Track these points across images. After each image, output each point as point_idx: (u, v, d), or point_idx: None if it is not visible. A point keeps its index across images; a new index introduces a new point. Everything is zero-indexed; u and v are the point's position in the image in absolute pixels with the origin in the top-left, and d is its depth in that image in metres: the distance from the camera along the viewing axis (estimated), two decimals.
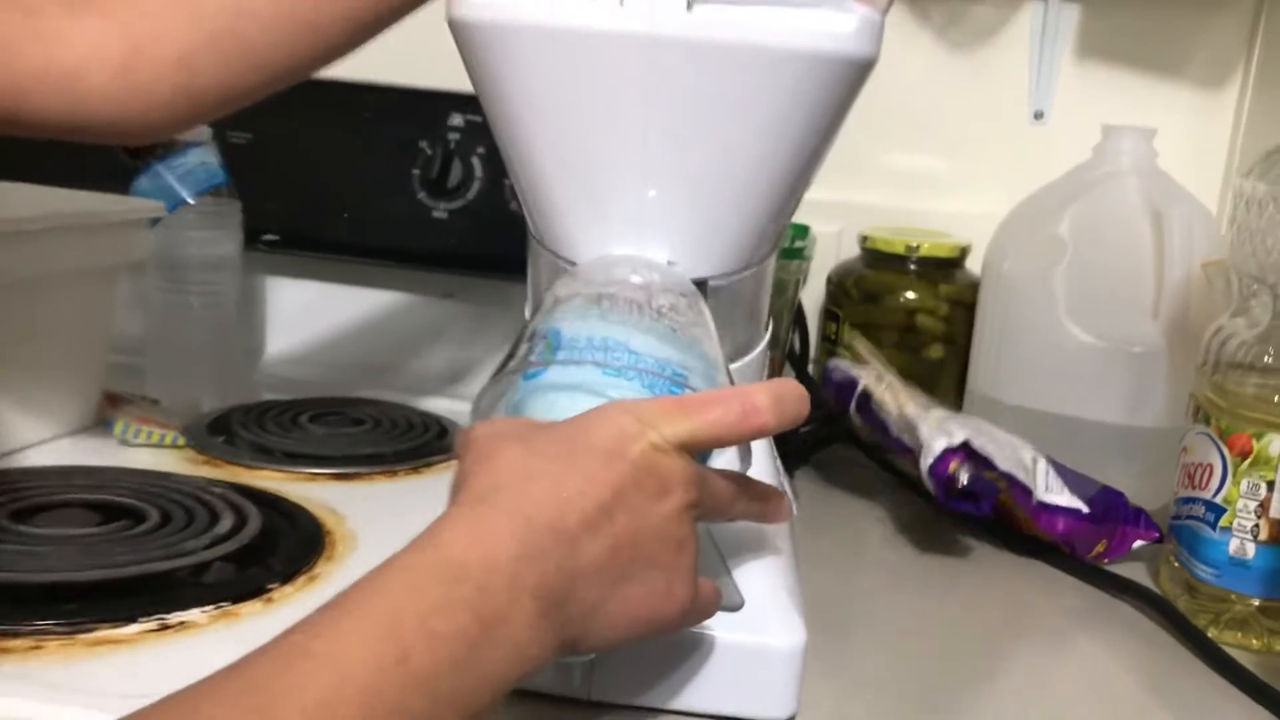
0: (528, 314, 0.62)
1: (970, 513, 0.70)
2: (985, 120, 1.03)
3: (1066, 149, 0.92)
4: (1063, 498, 0.73)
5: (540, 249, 0.56)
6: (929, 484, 0.70)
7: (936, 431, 0.69)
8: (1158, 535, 0.74)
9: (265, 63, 0.56)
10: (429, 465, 0.83)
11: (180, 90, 0.54)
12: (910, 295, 0.93)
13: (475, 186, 0.97)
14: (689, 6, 0.47)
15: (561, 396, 0.46)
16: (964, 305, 0.93)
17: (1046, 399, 0.87)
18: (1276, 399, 0.63)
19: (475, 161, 0.96)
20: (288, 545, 0.66)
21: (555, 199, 0.53)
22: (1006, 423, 0.87)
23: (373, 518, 0.72)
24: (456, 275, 1.01)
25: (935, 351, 0.93)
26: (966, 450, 0.69)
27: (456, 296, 1.02)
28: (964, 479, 0.68)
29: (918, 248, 0.93)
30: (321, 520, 0.70)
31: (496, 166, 0.95)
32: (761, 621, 0.52)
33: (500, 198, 0.96)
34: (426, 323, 1.02)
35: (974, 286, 0.93)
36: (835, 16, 0.48)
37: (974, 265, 0.96)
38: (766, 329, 0.59)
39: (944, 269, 0.94)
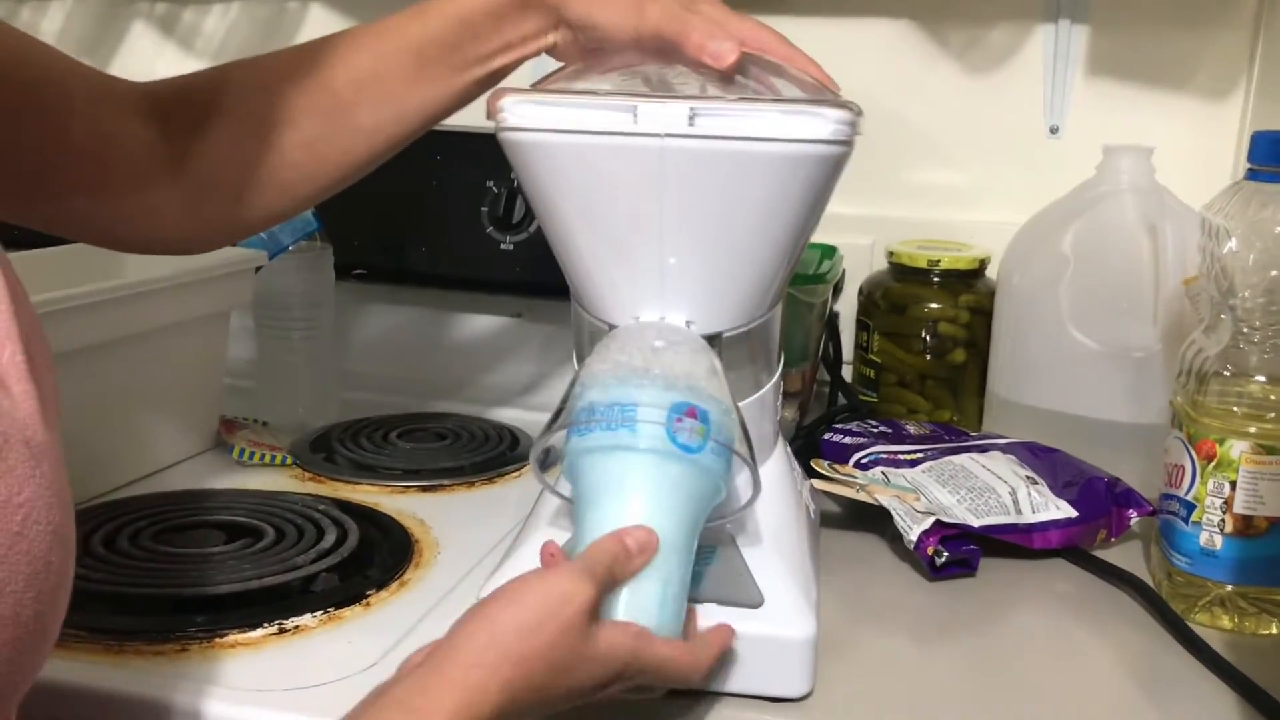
0: (575, 361, 0.73)
1: (963, 574, 0.78)
2: (1003, 136, 1.11)
3: (1079, 159, 0.99)
4: (1049, 511, 0.81)
5: (581, 311, 0.67)
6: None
7: (909, 519, 0.77)
8: (1150, 509, 0.82)
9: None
10: (502, 475, 0.94)
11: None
12: (933, 305, 1.02)
13: (536, 221, 1.07)
14: (691, 120, 0.57)
15: (607, 457, 0.57)
16: (984, 313, 1.02)
17: (1058, 400, 0.96)
18: (1236, 409, 0.72)
19: None
20: (382, 555, 0.78)
21: (591, 274, 0.64)
22: (1023, 423, 0.96)
23: (453, 526, 0.84)
24: (522, 299, 1.12)
25: (958, 356, 1.02)
26: (939, 526, 0.77)
27: (523, 317, 1.13)
28: (942, 557, 0.76)
29: (939, 262, 1.01)
30: (410, 530, 0.82)
31: None
32: (778, 616, 0.62)
33: None
34: (497, 341, 1.13)
35: (993, 294, 1.02)
36: (813, 121, 0.57)
37: (994, 272, 1.04)
38: (778, 364, 0.69)
39: (965, 280, 1.02)
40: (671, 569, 0.56)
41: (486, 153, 1.09)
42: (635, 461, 0.56)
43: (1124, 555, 0.83)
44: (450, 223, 1.09)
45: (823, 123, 0.58)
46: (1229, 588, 0.73)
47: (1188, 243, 0.90)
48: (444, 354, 1.14)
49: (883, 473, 0.85)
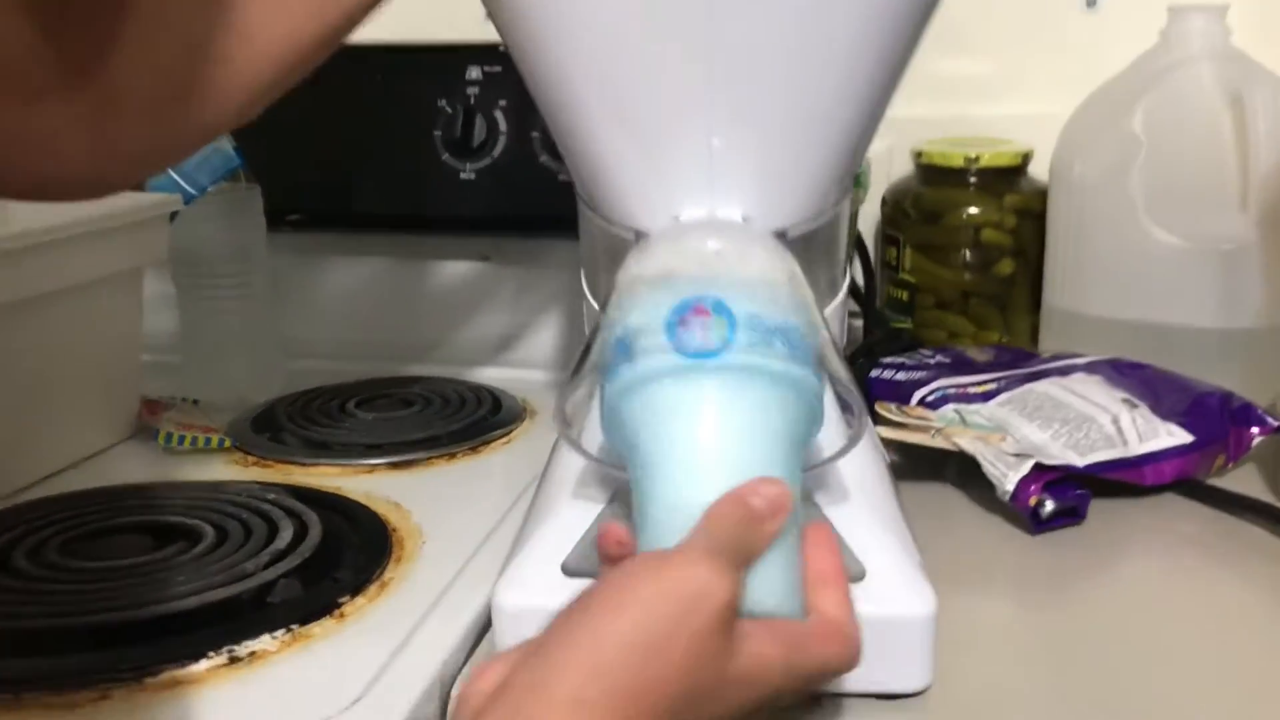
0: (585, 286, 0.57)
1: (1070, 524, 0.65)
2: (1034, 13, 0.96)
3: (1125, 37, 0.85)
4: (1161, 439, 0.67)
5: (592, 217, 0.51)
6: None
7: (1000, 464, 0.64)
8: (1276, 425, 0.69)
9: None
10: (487, 443, 0.79)
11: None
12: (973, 210, 0.88)
13: (500, 143, 0.91)
14: None
15: (656, 389, 0.42)
16: (1032, 216, 0.88)
17: (1131, 307, 0.82)
18: None
19: (498, 116, 0.91)
20: (353, 551, 0.62)
21: (608, 160, 0.48)
22: (1090, 338, 0.82)
23: (437, 508, 0.68)
24: (490, 237, 0.96)
25: (1005, 267, 0.88)
26: (1039, 470, 0.64)
27: (493, 259, 0.97)
28: (1048, 508, 0.63)
29: (977, 159, 0.87)
30: (385, 517, 0.67)
31: (521, 119, 0.90)
32: (887, 590, 0.48)
33: (528, 152, 0.91)
34: (465, 290, 0.97)
35: (1041, 194, 0.88)
36: None
37: (1037, 172, 0.90)
38: (845, 273, 0.54)
39: (1007, 178, 0.88)
40: (790, 530, 0.41)
41: (433, 67, 0.93)
42: (718, 386, 0.41)
43: (1242, 482, 0.70)
44: (398, 153, 0.93)
45: None
46: None
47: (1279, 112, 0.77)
48: (402, 309, 0.98)
49: (955, 411, 0.70)
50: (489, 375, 0.92)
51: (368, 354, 0.96)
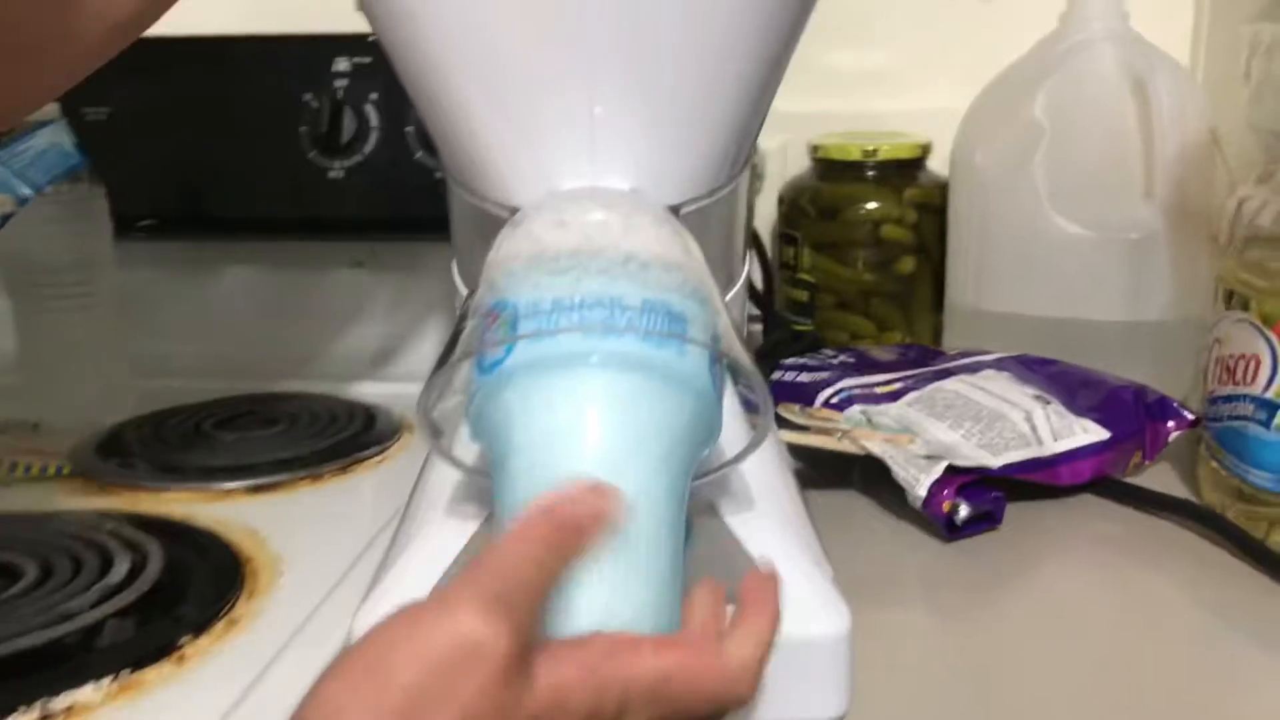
0: (457, 278, 0.51)
1: (985, 529, 0.61)
2: (930, 4, 0.93)
3: (1022, 26, 0.83)
4: (1076, 437, 0.64)
5: (464, 196, 0.45)
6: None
7: (911, 468, 0.60)
8: (1193, 419, 0.66)
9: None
10: (358, 463, 0.72)
11: None
12: (872, 205, 0.84)
13: (372, 138, 0.85)
14: None
15: (537, 379, 0.36)
16: (932, 210, 0.84)
17: (1036, 301, 0.79)
18: None
19: (369, 110, 0.85)
20: (199, 585, 0.55)
21: (480, 130, 0.43)
22: (995, 335, 0.79)
23: (299, 535, 0.62)
24: (363, 241, 0.89)
25: (906, 265, 0.84)
26: (951, 473, 0.59)
27: (367, 265, 0.90)
28: (962, 513, 0.59)
29: (875, 151, 0.83)
30: (238, 546, 0.60)
31: (395, 113, 0.84)
32: (798, 609, 0.43)
33: (403, 148, 0.84)
34: (337, 299, 0.90)
35: (941, 188, 0.84)
36: None
37: (936, 166, 0.87)
38: (744, 259, 0.49)
39: (906, 172, 0.84)
40: (646, 535, 0.35)
41: (297, 59, 0.86)
42: (574, 380, 0.36)
43: (1159, 479, 0.67)
44: (259, 151, 0.85)
45: None
46: None
47: (1182, 95, 0.74)
48: (268, 321, 0.90)
49: (862, 412, 0.66)
50: (364, 390, 0.85)
51: (230, 371, 0.88)
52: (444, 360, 0.39)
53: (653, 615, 0.36)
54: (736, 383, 0.44)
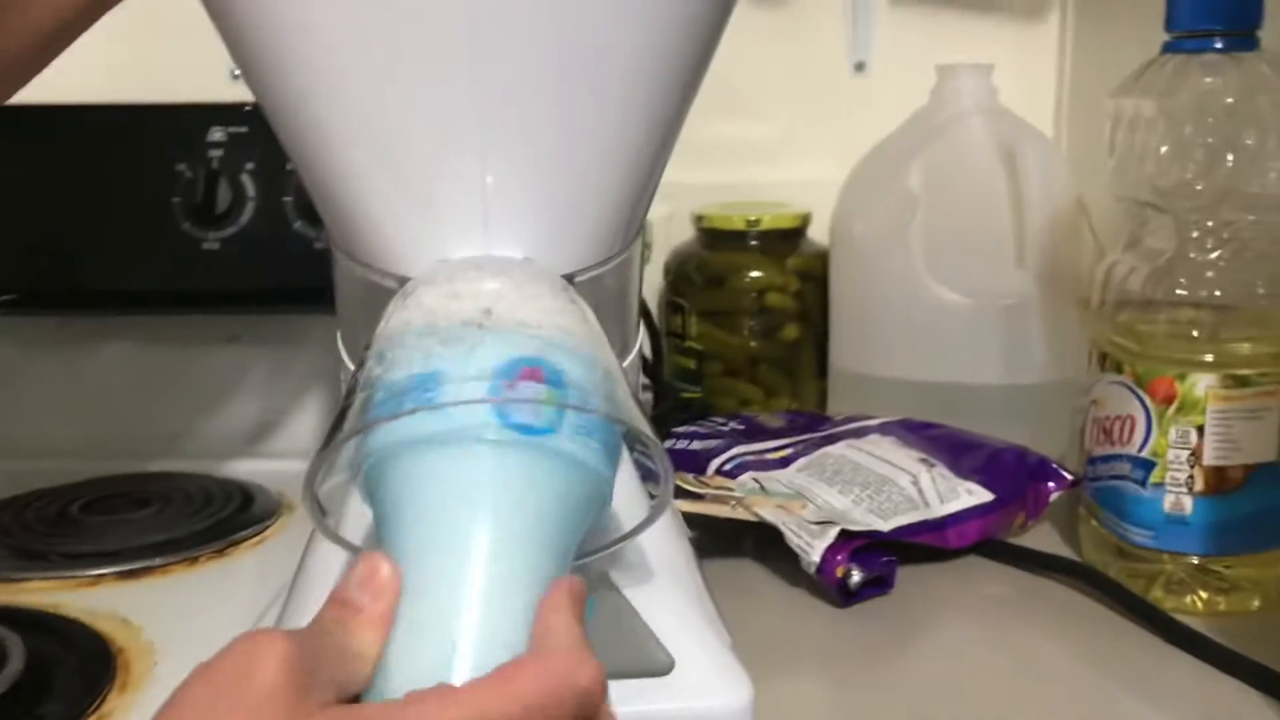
0: (342, 351, 0.50)
1: (878, 594, 0.61)
2: (805, 78, 0.95)
3: (895, 99, 0.85)
4: (962, 499, 0.65)
5: (350, 266, 0.44)
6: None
7: (804, 534, 0.60)
8: (1072, 480, 0.68)
9: None
10: (235, 544, 0.70)
11: None
12: (756, 274, 0.85)
13: (248, 209, 0.83)
14: None
15: (425, 456, 0.35)
16: (814, 279, 0.86)
17: (917, 366, 0.81)
18: (1195, 333, 0.57)
19: (245, 180, 0.83)
20: (66, 679, 0.52)
21: (368, 200, 0.42)
22: (877, 399, 0.80)
23: (175, 621, 0.59)
24: (238, 315, 0.87)
25: (791, 332, 0.85)
26: (844, 538, 0.60)
27: (243, 339, 0.88)
28: (856, 578, 0.59)
29: (758, 221, 0.85)
30: (109, 636, 0.57)
31: (271, 183, 0.82)
32: (699, 680, 0.42)
33: (280, 218, 0.82)
34: (212, 374, 0.87)
35: (821, 257, 0.86)
36: None
37: (815, 235, 0.88)
38: (637, 328, 0.49)
39: (788, 241, 0.86)
40: (475, 600, 0.34)
41: (170, 128, 0.84)
42: (461, 458, 0.35)
43: (1042, 540, 0.68)
44: (131, 223, 0.83)
45: None
46: (1195, 560, 0.59)
47: (1049, 166, 0.77)
48: (139, 399, 0.86)
49: (754, 479, 0.66)
50: (241, 469, 0.82)
51: (100, 451, 0.84)
52: (331, 438, 0.38)
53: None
54: (633, 450, 0.43)
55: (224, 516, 0.72)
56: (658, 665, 0.42)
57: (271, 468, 0.82)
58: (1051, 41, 0.94)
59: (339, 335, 0.50)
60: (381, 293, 0.44)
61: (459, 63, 0.38)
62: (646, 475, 0.43)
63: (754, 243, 0.85)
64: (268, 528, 0.72)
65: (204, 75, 0.91)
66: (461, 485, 0.35)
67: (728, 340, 0.85)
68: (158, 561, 0.66)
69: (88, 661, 0.54)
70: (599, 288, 0.44)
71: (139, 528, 0.71)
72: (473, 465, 0.35)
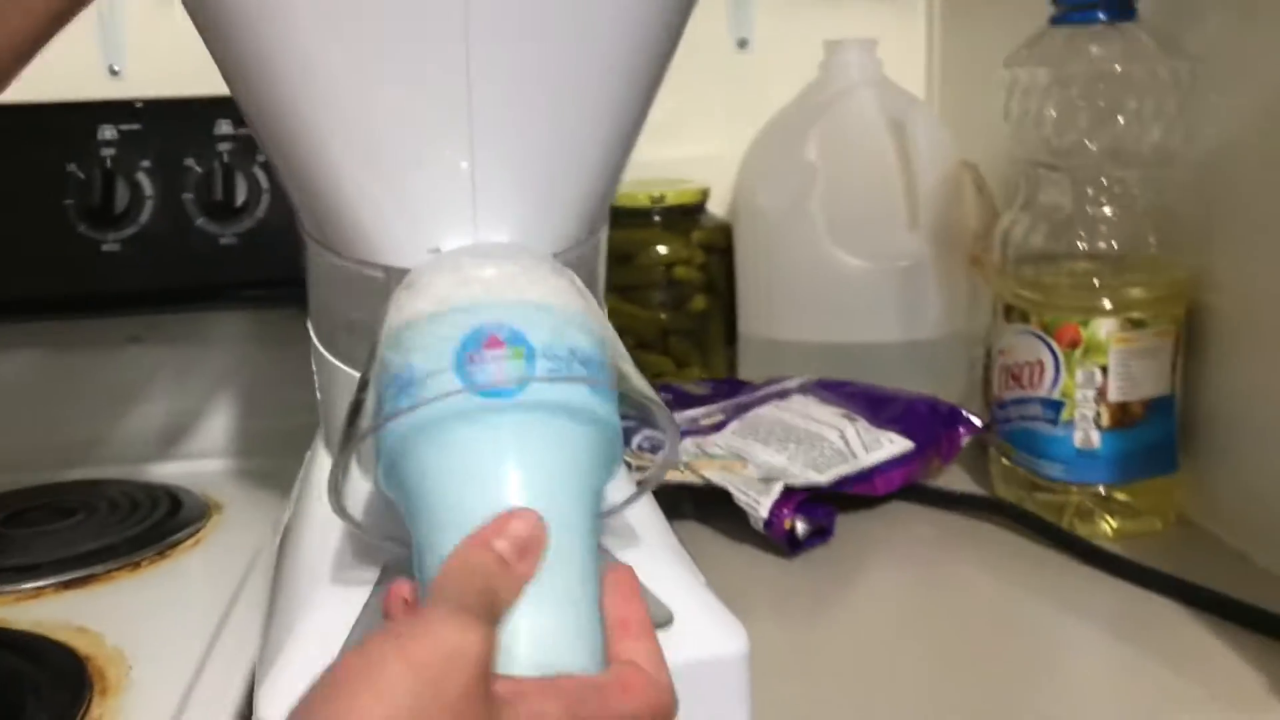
0: (314, 338, 0.51)
1: (820, 543, 0.65)
2: (691, 57, 0.98)
3: (780, 74, 0.89)
4: (885, 449, 0.69)
5: (329, 258, 0.45)
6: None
7: (751, 492, 0.63)
8: (982, 424, 0.73)
9: None
10: (174, 547, 0.69)
11: None
12: (662, 249, 0.87)
13: (147, 209, 0.81)
14: None
15: (454, 431, 0.36)
16: (718, 250, 0.89)
17: (821, 328, 0.85)
18: (1095, 282, 0.63)
19: (142, 179, 0.81)
20: (40, 694, 0.51)
21: (355, 196, 0.42)
22: (786, 362, 0.84)
23: (135, 626, 0.59)
24: (141, 315, 0.85)
25: (699, 303, 0.88)
26: (788, 493, 0.63)
27: (146, 340, 0.86)
28: (802, 529, 0.63)
29: (662, 198, 0.87)
30: (71, 646, 0.56)
31: (170, 180, 0.80)
32: (699, 632, 0.45)
33: (181, 217, 0.81)
34: (118, 378, 0.85)
35: (723, 229, 0.89)
36: None
37: (713, 207, 0.91)
38: (602, 306, 0.51)
39: (691, 216, 0.89)
40: (575, 572, 0.37)
41: (57, 128, 0.82)
42: (514, 428, 0.37)
43: (956, 481, 0.73)
44: (26, 228, 0.80)
45: None
46: (1101, 489, 0.65)
47: (933, 135, 0.82)
48: (45, 407, 0.84)
49: (695, 444, 0.68)
50: (160, 472, 0.81)
51: (9, 463, 0.81)
52: (350, 434, 0.39)
53: (581, 649, 0.37)
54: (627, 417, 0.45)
55: (156, 520, 0.71)
56: (658, 620, 0.44)
57: (192, 468, 0.82)
58: (919, 15, 0.99)
59: (311, 326, 0.51)
60: (363, 282, 0.45)
61: (448, 59, 0.40)
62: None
63: (658, 219, 0.88)
64: (202, 528, 0.71)
65: (83, 74, 0.88)
66: (481, 450, 0.37)
67: (638, 314, 0.88)
68: (98, 570, 0.65)
69: (60, 673, 0.53)
70: (576, 267, 0.46)
71: (67, 538, 0.69)
72: (500, 433, 0.37)
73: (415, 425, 0.37)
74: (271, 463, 0.81)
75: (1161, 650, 0.53)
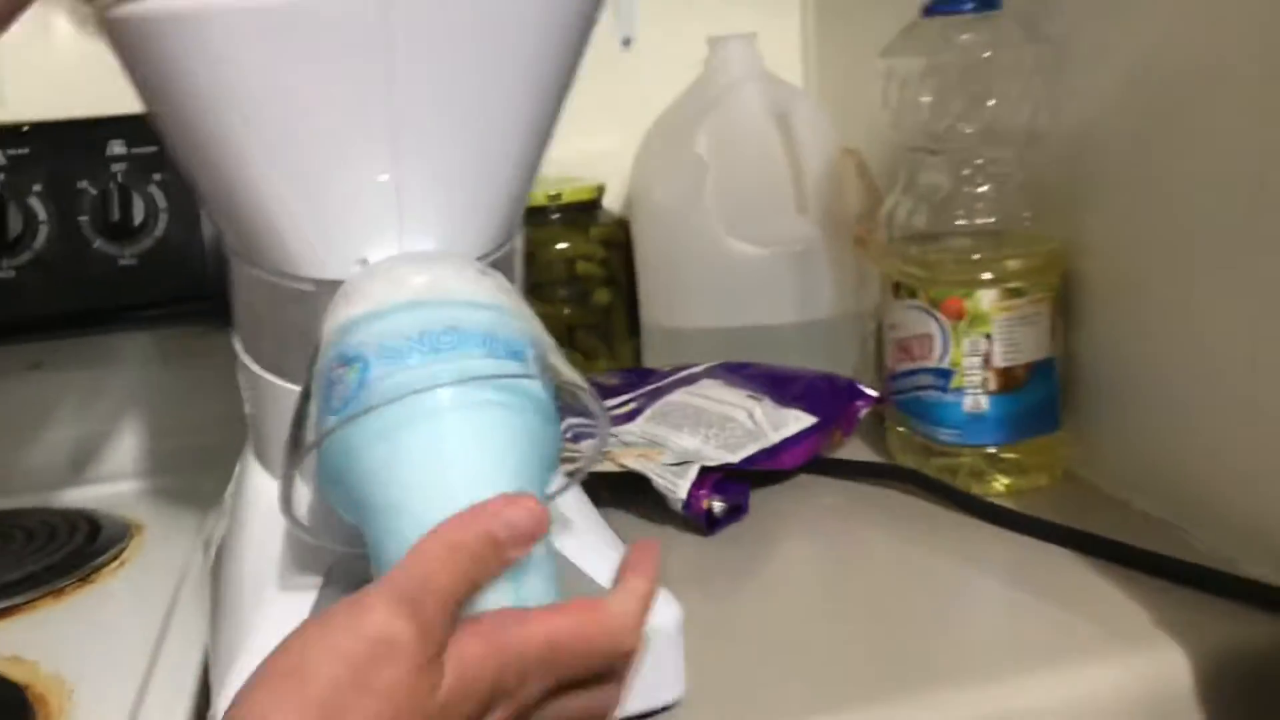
0: (242, 354, 0.52)
1: (735, 520, 0.68)
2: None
3: (665, 70, 0.92)
4: (791, 425, 0.73)
5: (256, 274, 0.46)
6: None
7: (668, 475, 0.66)
8: (878, 395, 0.77)
9: None
10: (97, 570, 0.69)
11: None
12: (563, 245, 0.90)
13: (42, 233, 0.80)
14: None
15: (404, 428, 0.38)
16: (615, 245, 0.91)
17: (721, 315, 0.88)
18: (976, 257, 0.67)
19: (34, 203, 0.80)
20: None
21: (281, 214, 0.44)
22: (690, 349, 0.87)
23: (69, 651, 0.59)
24: (39, 342, 0.84)
25: (602, 296, 0.91)
26: (704, 474, 0.66)
27: (46, 366, 0.85)
28: (719, 507, 0.66)
29: (559, 196, 0.89)
30: (8, 675, 0.56)
31: (64, 203, 0.80)
32: None
33: (77, 239, 0.80)
34: (17, 405, 0.84)
35: (619, 224, 0.92)
36: None
37: (608, 203, 0.94)
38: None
39: (588, 212, 0.91)
40: (538, 562, 0.39)
41: None
42: (462, 421, 0.39)
43: (856, 451, 0.77)
44: None
45: None
46: (991, 449, 0.69)
47: (816, 125, 0.86)
48: None
49: (611, 434, 0.71)
50: (76, 497, 0.81)
51: None
52: (297, 441, 0.40)
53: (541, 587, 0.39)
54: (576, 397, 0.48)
55: (76, 546, 0.71)
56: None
57: (105, 492, 0.81)
58: (794, 9, 1.03)
59: (237, 341, 0.52)
60: (288, 295, 0.46)
61: (369, 73, 0.42)
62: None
63: (556, 216, 0.90)
64: (124, 549, 0.72)
65: None
66: (432, 443, 0.39)
67: (544, 310, 0.89)
68: (20, 599, 0.65)
69: (4, 706, 0.53)
70: (499, 269, 0.48)
71: None
72: (440, 425, 0.39)
73: (366, 428, 0.39)
74: (186, 480, 0.82)
75: (1056, 594, 0.58)
